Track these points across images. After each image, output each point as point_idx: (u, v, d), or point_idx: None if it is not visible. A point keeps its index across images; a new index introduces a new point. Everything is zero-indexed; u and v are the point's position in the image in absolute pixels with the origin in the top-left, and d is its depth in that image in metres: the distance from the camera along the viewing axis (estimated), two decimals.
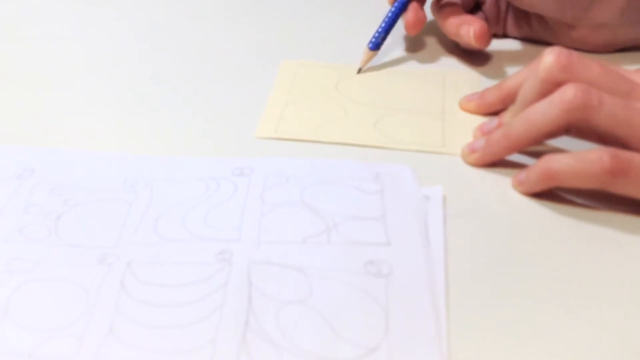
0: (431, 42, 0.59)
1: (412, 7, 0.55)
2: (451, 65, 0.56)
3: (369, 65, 0.55)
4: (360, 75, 0.54)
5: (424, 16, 0.55)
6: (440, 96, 0.52)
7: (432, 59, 0.57)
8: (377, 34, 0.54)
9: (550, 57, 0.42)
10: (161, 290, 0.35)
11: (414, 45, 0.58)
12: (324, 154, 0.46)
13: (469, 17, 0.54)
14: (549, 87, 0.41)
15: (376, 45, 0.54)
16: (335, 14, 0.64)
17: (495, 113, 0.48)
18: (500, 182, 0.43)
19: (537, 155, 0.43)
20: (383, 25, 0.55)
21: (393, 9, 0.55)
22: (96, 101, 0.51)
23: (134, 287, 0.35)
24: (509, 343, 0.33)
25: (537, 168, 0.41)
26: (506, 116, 0.46)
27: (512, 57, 0.57)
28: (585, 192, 0.42)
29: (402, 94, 0.52)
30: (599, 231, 0.40)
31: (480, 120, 0.48)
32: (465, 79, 0.54)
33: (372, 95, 0.52)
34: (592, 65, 0.41)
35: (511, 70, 0.54)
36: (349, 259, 0.37)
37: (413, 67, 0.55)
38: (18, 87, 0.53)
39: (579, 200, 0.42)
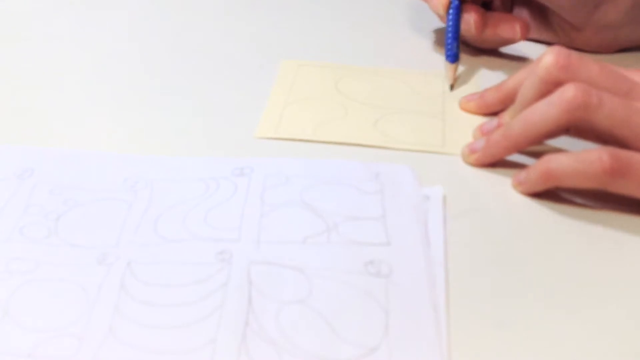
0: (432, 42, 0.59)
1: (471, 8, 0.53)
2: None
3: (367, 65, 0.55)
4: (360, 75, 0.54)
5: (484, 12, 0.54)
6: (440, 96, 0.52)
7: (432, 59, 0.57)
8: (449, 46, 0.53)
9: (549, 57, 0.42)
10: (161, 290, 0.35)
11: (414, 45, 0.58)
12: (324, 154, 0.46)
13: (504, 16, 0.54)
14: (549, 87, 0.41)
15: (454, 56, 0.53)
16: (335, 13, 0.64)
17: (495, 113, 0.48)
18: (500, 182, 0.43)
19: (537, 155, 0.43)
20: (450, 35, 0.53)
21: (451, 17, 0.53)
22: (96, 101, 0.51)
23: (134, 287, 0.35)
24: (509, 343, 0.33)
25: (537, 168, 0.41)
26: (506, 116, 0.46)
27: (513, 57, 0.57)
28: (585, 192, 0.42)
29: (402, 94, 0.52)
30: (599, 231, 0.40)
31: (480, 120, 0.48)
32: (465, 79, 0.54)
33: (372, 95, 0.52)
34: (591, 65, 0.41)
35: (511, 70, 0.54)
36: (349, 259, 0.37)
37: (413, 67, 0.55)
38: (18, 87, 0.53)
39: (578, 200, 0.42)
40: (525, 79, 0.44)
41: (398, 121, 0.49)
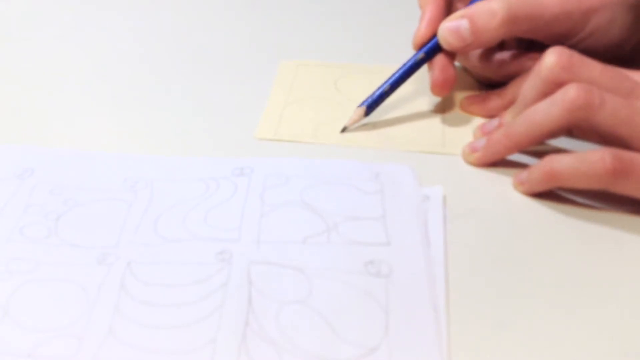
0: None
1: (440, 62, 0.48)
2: None
3: (366, 64, 0.55)
4: (359, 74, 0.54)
5: (454, 74, 0.48)
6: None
7: None
8: (378, 91, 0.48)
9: (551, 57, 0.42)
10: (161, 290, 0.35)
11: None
12: (324, 154, 0.46)
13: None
14: (551, 87, 0.41)
15: (371, 105, 0.48)
16: (335, 13, 0.64)
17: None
18: (501, 182, 0.43)
19: (538, 154, 0.43)
20: (391, 79, 0.48)
21: (412, 60, 0.48)
22: (96, 101, 0.51)
23: (134, 287, 0.35)
24: (509, 343, 0.33)
25: (539, 168, 0.41)
26: (507, 116, 0.46)
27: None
28: (586, 192, 0.42)
29: (401, 94, 0.52)
30: (600, 231, 0.40)
31: (480, 120, 0.48)
32: (465, 79, 0.54)
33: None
34: (593, 65, 0.41)
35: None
36: (349, 259, 0.37)
37: None
38: (18, 87, 0.53)
39: (579, 200, 0.42)
40: (527, 80, 0.44)
41: (398, 121, 0.49)
